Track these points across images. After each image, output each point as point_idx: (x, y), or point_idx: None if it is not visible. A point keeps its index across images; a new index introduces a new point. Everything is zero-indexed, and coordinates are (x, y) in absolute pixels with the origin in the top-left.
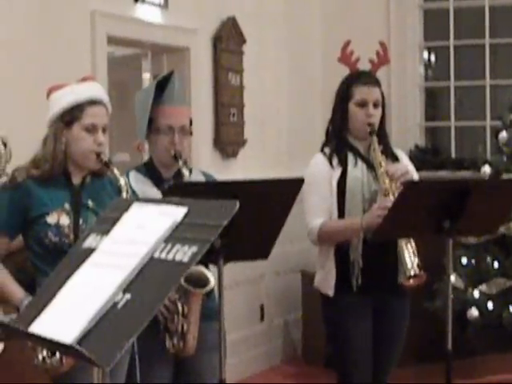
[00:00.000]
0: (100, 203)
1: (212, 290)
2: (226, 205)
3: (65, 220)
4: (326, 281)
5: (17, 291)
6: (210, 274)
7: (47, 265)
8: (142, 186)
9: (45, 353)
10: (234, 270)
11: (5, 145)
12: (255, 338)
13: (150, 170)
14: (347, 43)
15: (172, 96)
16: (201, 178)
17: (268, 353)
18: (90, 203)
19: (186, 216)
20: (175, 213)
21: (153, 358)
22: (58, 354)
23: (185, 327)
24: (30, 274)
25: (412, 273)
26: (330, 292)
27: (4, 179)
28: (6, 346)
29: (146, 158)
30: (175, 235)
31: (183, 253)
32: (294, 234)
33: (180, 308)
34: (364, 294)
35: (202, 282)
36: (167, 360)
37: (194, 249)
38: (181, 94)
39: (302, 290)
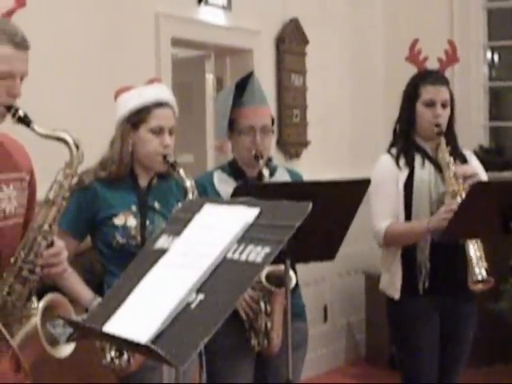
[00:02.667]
0: (166, 205)
1: (297, 289)
2: (298, 206)
3: (132, 222)
4: (392, 283)
5: (85, 292)
6: (292, 273)
7: (115, 266)
8: (226, 185)
9: (113, 353)
10: (299, 270)
11: (77, 147)
12: (319, 338)
13: (234, 170)
14: (415, 42)
15: (252, 96)
16: (286, 177)
17: (331, 354)
18: (157, 205)
19: (258, 217)
20: (247, 214)
21: (237, 357)
22: (125, 355)
23: (268, 326)
24: (98, 274)
25: (480, 278)
26: (396, 295)
27: (75, 181)
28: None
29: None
30: (248, 236)
31: (256, 253)
32: (358, 234)
33: (263, 307)
34: (431, 296)
35: (283, 280)
36: (250, 358)
37: (267, 249)
38: (261, 94)
39: (365, 291)
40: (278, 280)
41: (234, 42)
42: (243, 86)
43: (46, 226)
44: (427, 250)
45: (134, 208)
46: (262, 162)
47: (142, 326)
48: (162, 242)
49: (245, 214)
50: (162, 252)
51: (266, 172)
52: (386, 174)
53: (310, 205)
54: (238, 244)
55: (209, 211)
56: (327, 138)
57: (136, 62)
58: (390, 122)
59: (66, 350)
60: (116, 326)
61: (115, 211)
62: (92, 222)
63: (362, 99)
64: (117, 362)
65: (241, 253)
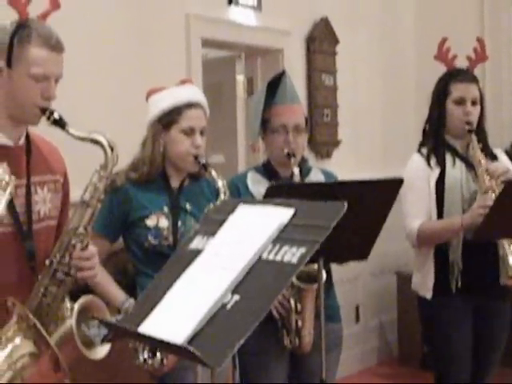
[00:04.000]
0: (198, 206)
1: (331, 290)
2: (333, 206)
3: (164, 223)
4: (424, 283)
5: (118, 293)
6: (322, 270)
7: (147, 267)
8: (259, 186)
9: (146, 354)
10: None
11: (112, 149)
12: (351, 339)
13: (267, 170)
14: (443, 41)
15: (284, 95)
16: (320, 178)
17: (363, 354)
18: (188, 206)
19: (293, 217)
20: (282, 214)
21: (270, 356)
22: (159, 355)
23: (299, 324)
24: (130, 275)
25: None
26: (428, 294)
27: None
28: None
29: (258, 158)
30: (283, 236)
31: (291, 254)
32: (390, 234)
33: (293, 305)
34: (464, 295)
35: (313, 277)
36: (284, 358)
37: (303, 250)
38: (293, 92)
39: (397, 291)
40: (308, 277)
41: (265, 42)
42: (275, 85)
43: (81, 229)
44: (460, 250)
45: (165, 209)
46: (293, 160)
47: (178, 326)
48: (196, 243)
49: (280, 215)
50: (197, 253)
51: (296, 171)
52: (417, 174)
53: (346, 205)
54: (273, 244)
55: (243, 212)
56: (358, 137)
57: (167, 63)
58: (420, 121)
59: (100, 351)
60: (151, 326)
61: (147, 212)
62: (124, 223)
63: (392, 98)
64: (150, 362)
65: (276, 253)
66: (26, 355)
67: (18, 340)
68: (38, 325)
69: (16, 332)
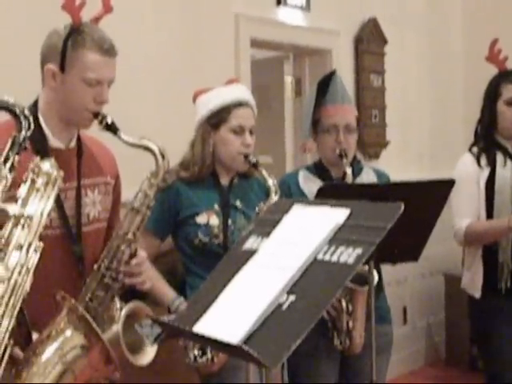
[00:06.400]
0: (248, 204)
1: (382, 291)
2: (390, 207)
3: (214, 220)
4: (473, 282)
5: (168, 292)
6: (374, 271)
7: (196, 265)
8: (311, 185)
9: (196, 352)
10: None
11: (163, 156)
12: (398, 340)
13: (319, 170)
14: (495, 42)
15: (335, 95)
16: (372, 177)
17: (411, 355)
18: (239, 203)
19: (349, 218)
20: (338, 214)
21: (320, 357)
22: (209, 354)
23: (350, 325)
24: (179, 275)
25: None
26: (477, 294)
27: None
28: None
29: (306, 159)
30: (339, 237)
31: (348, 255)
32: (438, 235)
33: (345, 306)
34: None
35: (364, 278)
36: (334, 359)
37: (359, 251)
38: (344, 92)
39: (445, 293)
40: (360, 278)
41: (313, 43)
42: (326, 84)
43: (130, 235)
44: (509, 251)
45: (216, 207)
46: (345, 160)
47: (233, 326)
48: (250, 243)
49: (335, 215)
50: (251, 253)
51: (349, 171)
52: (467, 173)
53: (402, 206)
54: (328, 245)
55: (298, 212)
56: (406, 138)
57: (215, 64)
58: (469, 122)
59: (146, 357)
60: (206, 326)
61: (198, 210)
62: (174, 220)
63: (441, 99)
64: (200, 360)
65: (332, 254)
66: (76, 347)
67: (68, 332)
68: (88, 317)
69: (66, 325)
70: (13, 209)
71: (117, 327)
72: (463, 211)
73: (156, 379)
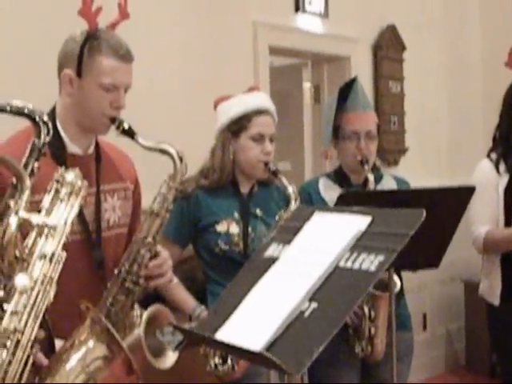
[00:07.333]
0: (268, 212)
1: (402, 299)
2: (412, 214)
3: (234, 228)
4: (491, 289)
5: (188, 300)
6: (396, 277)
7: (217, 273)
8: (331, 192)
9: (217, 360)
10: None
11: (181, 159)
12: (418, 347)
13: (339, 177)
14: None
15: (356, 102)
16: (392, 184)
17: (431, 362)
18: (259, 212)
19: (370, 225)
20: (359, 221)
21: (341, 363)
22: (229, 361)
23: (372, 331)
24: (199, 283)
25: None
26: (496, 301)
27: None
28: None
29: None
30: (360, 244)
31: (370, 262)
32: (458, 242)
33: (367, 312)
34: None
35: (385, 285)
36: (355, 366)
37: (381, 258)
38: (364, 99)
39: (464, 299)
40: (382, 284)
41: (332, 50)
42: (347, 91)
43: (149, 238)
44: None
45: (236, 215)
46: (367, 167)
47: (255, 334)
48: (271, 251)
49: (357, 222)
50: (273, 260)
51: (371, 177)
52: (485, 180)
53: (424, 213)
54: (350, 252)
55: (319, 219)
56: (425, 144)
57: (234, 71)
58: (488, 128)
59: (168, 361)
60: (228, 333)
61: (218, 218)
62: (195, 229)
63: (459, 105)
64: (221, 368)
65: (354, 261)
66: (99, 358)
67: (91, 343)
68: (111, 328)
69: (89, 335)
70: (36, 218)
71: (138, 331)
72: (482, 218)
73: None
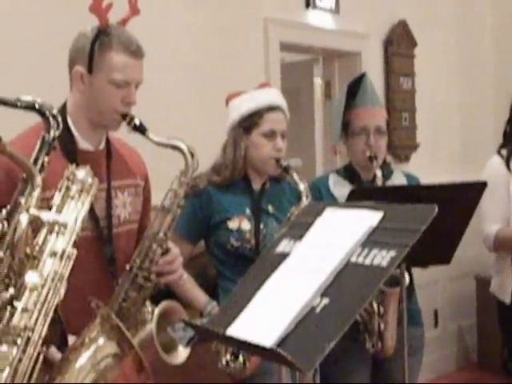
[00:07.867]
0: (280, 208)
1: (413, 295)
2: (423, 209)
3: (246, 225)
4: (503, 287)
5: (200, 296)
6: (405, 273)
7: (229, 269)
8: (341, 188)
9: (228, 356)
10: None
11: (192, 155)
12: (429, 343)
13: (349, 173)
14: None
15: (365, 98)
16: (402, 180)
17: (442, 359)
18: (270, 208)
19: (382, 220)
20: (371, 217)
21: (352, 360)
22: (241, 358)
23: (381, 327)
24: (210, 279)
25: None
26: (507, 299)
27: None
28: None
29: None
30: (372, 239)
31: (381, 257)
32: (469, 238)
33: (376, 308)
34: None
35: (395, 281)
36: (365, 361)
37: (393, 253)
38: (374, 94)
39: (476, 296)
40: (391, 280)
41: (342, 46)
42: (356, 87)
43: (161, 234)
44: None
45: (248, 211)
46: (375, 163)
47: (267, 329)
48: (283, 246)
49: (368, 218)
50: (284, 256)
51: (379, 173)
52: (496, 177)
53: (436, 208)
54: (361, 248)
55: (330, 215)
56: (436, 140)
57: (245, 67)
58: (500, 124)
59: (180, 356)
60: (239, 329)
61: (229, 215)
62: (206, 225)
63: (471, 101)
64: (232, 365)
65: (365, 257)
66: (109, 356)
67: (101, 341)
68: (122, 326)
69: (99, 333)
70: (47, 216)
71: (151, 326)
72: (492, 216)
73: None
